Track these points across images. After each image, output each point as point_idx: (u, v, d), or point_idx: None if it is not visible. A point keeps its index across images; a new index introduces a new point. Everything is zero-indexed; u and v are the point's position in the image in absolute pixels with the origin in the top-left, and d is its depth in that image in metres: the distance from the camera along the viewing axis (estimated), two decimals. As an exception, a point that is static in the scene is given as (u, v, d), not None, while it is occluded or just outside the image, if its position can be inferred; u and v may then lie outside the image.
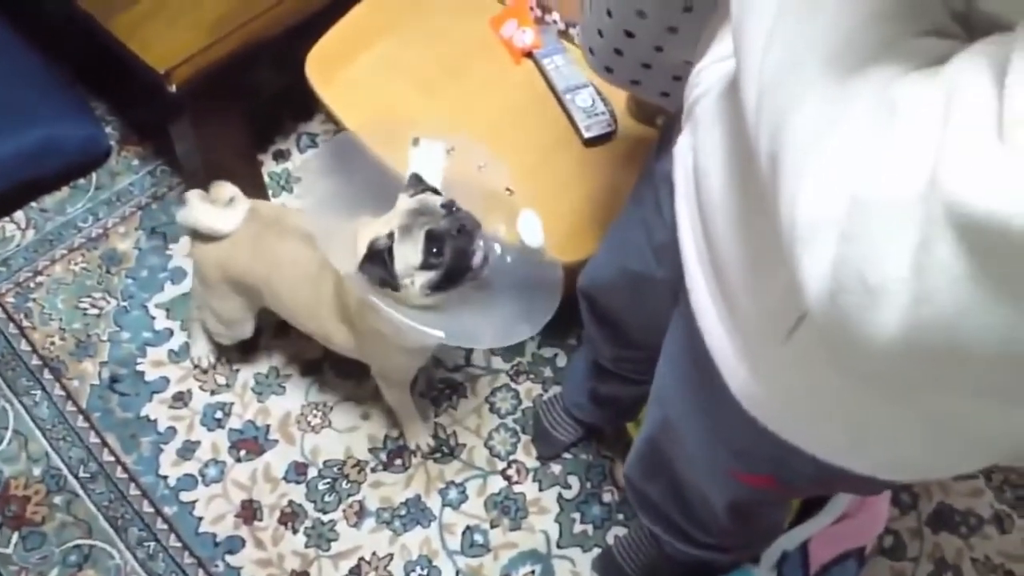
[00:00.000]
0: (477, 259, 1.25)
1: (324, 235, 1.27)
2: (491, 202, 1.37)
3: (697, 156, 0.78)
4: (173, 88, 1.58)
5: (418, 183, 1.31)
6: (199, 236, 1.53)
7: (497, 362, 1.84)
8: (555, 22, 1.70)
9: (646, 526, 1.30)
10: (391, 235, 1.24)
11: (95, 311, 1.87)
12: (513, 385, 1.82)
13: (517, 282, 1.35)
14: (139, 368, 1.81)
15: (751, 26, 0.56)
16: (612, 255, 1.19)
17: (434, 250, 1.22)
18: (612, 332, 1.33)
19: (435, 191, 1.31)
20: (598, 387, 1.56)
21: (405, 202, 1.28)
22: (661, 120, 1.64)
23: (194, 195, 1.53)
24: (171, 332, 1.85)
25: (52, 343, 1.83)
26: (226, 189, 1.56)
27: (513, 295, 1.34)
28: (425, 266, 1.23)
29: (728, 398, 0.78)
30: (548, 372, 1.84)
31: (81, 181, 2.04)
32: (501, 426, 1.78)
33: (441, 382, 1.82)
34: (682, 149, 0.83)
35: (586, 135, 1.59)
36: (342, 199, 1.35)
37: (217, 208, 1.53)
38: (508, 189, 1.39)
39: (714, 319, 0.77)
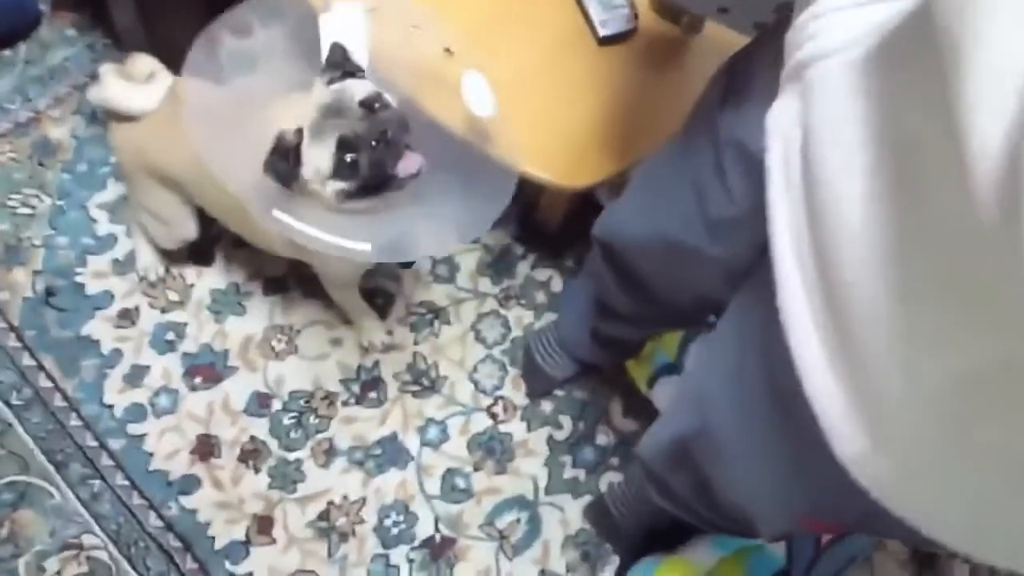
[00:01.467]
0: (404, 168, 1.05)
1: (209, 142, 1.05)
2: (429, 74, 1.14)
3: (812, 142, 0.56)
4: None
5: (339, 65, 1.09)
6: (116, 116, 1.35)
7: (485, 284, 1.65)
8: None
9: (660, 504, 1.14)
10: (300, 132, 1.06)
11: (26, 211, 1.64)
12: (502, 311, 1.63)
13: (461, 179, 1.13)
14: (79, 280, 1.59)
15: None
16: (648, 216, 0.97)
17: (348, 159, 1.04)
18: (633, 288, 1.13)
19: (359, 69, 1.11)
20: (601, 327, 1.38)
21: (320, 92, 1.08)
22: (687, 19, 1.40)
23: (108, 69, 1.35)
24: (115, 238, 1.63)
25: (-23, 247, 1.60)
26: (144, 62, 1.36)
27: (454, 195, 1.12)
28: (336, 175, 1.05)
29: (819, 447, 0.59)
30: (541, 298, 1.65)
31: (7, 53, 1.77)
32: (488, 358, 1.60)
33: (421, 305, 1.62)
34: (783, 121, 0.60)
35: (601, 33, 1.35)
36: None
37: (134, 84, 1.34)
38: (447, 49, 1.14)
39: (822, 367, 0.55)
